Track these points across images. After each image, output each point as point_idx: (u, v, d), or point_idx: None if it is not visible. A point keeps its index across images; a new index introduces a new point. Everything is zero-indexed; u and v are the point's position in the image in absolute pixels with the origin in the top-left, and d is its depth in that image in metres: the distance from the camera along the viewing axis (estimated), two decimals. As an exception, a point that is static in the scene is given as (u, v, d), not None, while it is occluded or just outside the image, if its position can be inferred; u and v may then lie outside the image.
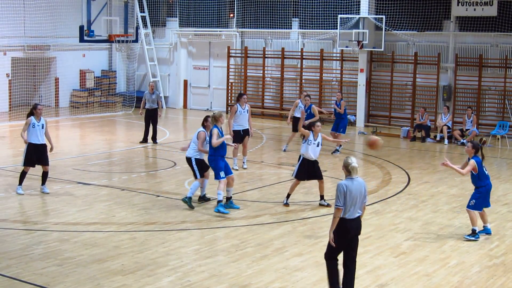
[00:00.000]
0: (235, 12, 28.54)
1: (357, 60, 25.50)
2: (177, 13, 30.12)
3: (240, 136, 16.42)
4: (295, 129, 19.07)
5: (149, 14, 30.47)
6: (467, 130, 21.91)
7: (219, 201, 12.33)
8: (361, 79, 25.41)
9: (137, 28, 29.55)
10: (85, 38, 26.55)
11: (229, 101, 29.12)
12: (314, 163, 12.98)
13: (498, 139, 21.91)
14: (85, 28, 26.42)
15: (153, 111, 20.18)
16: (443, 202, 13.88)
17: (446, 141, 21.86)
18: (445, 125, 22.13)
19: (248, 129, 16.53)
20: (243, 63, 28.55)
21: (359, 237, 8.33)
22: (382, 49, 24.55)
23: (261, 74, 28.02)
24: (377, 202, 13.55)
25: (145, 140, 20.30)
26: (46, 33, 27.23)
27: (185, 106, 30.53)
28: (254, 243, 10.76)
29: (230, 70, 28.89)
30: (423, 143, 22.10)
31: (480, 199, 11.31)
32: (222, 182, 12.36)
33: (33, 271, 9.22)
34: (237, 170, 16.26)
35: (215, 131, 12.30)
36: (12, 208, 12.60)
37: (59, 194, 13.72)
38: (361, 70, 25.36)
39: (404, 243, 10.96)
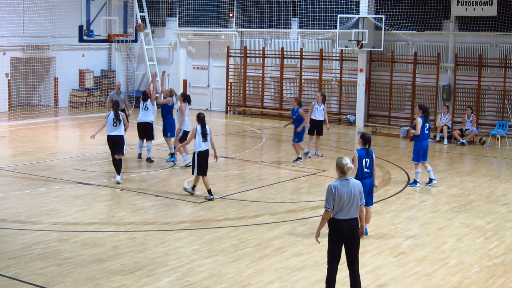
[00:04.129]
0: (235, 11, 28.53)
1: (357, 60, 25.49)
2: (177, 13, 30.12)
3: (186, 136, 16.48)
4: (312, 132, 18.42)
5: (148, 14, 30.47)
6: (466, 130, 21.91)
7: None
8: (361, 79, 25.39)
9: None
10: (85, 38, 26.52)
11: (229, 101, 29.11)
12: (207, 154, 13.36)
13: (498, 139, 21.90)
14: (85, 27, 26.39)
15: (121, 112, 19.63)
16: (442, 202, 13.87)
17: (445, 141, 21.84)
18: (445, 125, 22.11)
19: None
20: (242, 63, 28.53)
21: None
22: (382, 49, 24.54)
23: (261, 74, 28.01)
24: (377, 202, 13.51)
25: None
26: (46, 33, 27.23)
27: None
28: (254, 243, 10.74)
29: (230, 70, 28.88)
30: (423, 143, 22.04)
31: None
32: None
33: (32, 271, 9.21)
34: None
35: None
36: (11, 208, 12.58)
37: (58, 194, 13.71)
38: (361, 70, 25.35)
39: (403, 243, 10.94)
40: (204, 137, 13.24)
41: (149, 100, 17.17)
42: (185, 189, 13.94)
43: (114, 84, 19.38)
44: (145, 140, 17.38)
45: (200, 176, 13.40)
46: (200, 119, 13.40)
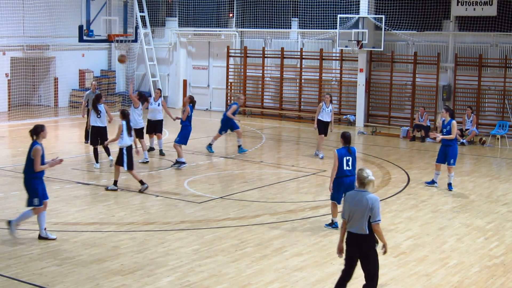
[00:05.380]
0: (235, 11, 28.52)
1: (357, 60, 25.49)
2: (177, 13, 30.11)
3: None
4: (321, 132, 18.23)
5: (148, 14, 30.46)
6: (466, 130, 21.90)
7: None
8: (361, 79, 25.39)
9: (137, 28, 29.52)
10: (85, 38, 26.51)
11: (229, 101, 29.09)
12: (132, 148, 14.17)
13: (498, 139, 21.90)
14: (85, 27, 26.38)
15: None
16: (442, 202, 13.86)
17: (445, 141, 21.80)
18: (445, 125, 22.10)
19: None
20: (242, 63, 28.53)
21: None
22: (382, 49, 24.54)
23: (261, 74, 28.00)
24: (377, 202, 13.51)
25: (87, 139, 19.95)
26: (45, 33, 27.22)
27: (184, 106, 30.43)
28: (254, 243, 10.74)
29: (230, 70, 28.88)
30: (423, 143, 22.08)
31: (334, 190, 11.32)
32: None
33: (32, 271, 9.20)
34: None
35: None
36: (11, 208, 12.56)
37: (58, 194, 13.70)
38: (361, 70, 25.35)
39: (404, 243, 10.94)
40: (129, 132, 13.95)
41: (160, 99, 18.16)
42: (107, 188, 14.12)
43: (92, 85, 20.32)
44: (154, 135, 18.43)
45: (121, 168, 14.02)
46: (125, 115, 14.09)
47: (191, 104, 17.03)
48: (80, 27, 26.24)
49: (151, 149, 18.50)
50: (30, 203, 10.49)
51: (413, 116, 24.13)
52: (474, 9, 23.02)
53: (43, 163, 10.44)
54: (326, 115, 18.16)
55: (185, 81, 30.59)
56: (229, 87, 28.94)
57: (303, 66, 27.15)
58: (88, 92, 20.01)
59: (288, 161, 18.14)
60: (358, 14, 24.78)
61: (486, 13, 22.87)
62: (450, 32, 24.23)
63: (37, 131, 10.49)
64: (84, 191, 14.12)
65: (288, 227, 11.72)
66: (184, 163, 16.60)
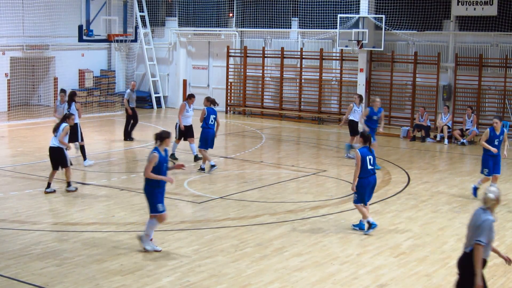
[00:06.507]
0: (235, 11, 28.51)
1: (357, 60, 25.47)
2: (177, 12, 30.10)
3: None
4: (353, 133, 18.17)
5: (148, 13, 30.45)
6: (467, 130, 21.88)
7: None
8: (361, 79, 25.37)
9: (136, 27, 29.53)
10: (84, 37, 26.53)
11: (229, 101, 29.08)
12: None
13: (498, 139, 21.85)
14: (84, 27, 26.40)
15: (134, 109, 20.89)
16: (443, 202, 13.84)
17: (446, 141, 21.83)
18: (445, 125, 22.09)
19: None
20: (242, 62, 28.51)
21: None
22: (382, 49, 24.51)
23: (261, 74, 27.99)
24: (377, 202, 13.51)
25: (127, 136, 20.80)
26: (45, 33, 27.21)
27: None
28: (254, 243, 10.72)
29: (230, 69, 28.86)
30: (423, 143, 22.07)
31: (359, 192, 11.26)
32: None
33: (32, 271, 9.19)
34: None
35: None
36: (10, 208, 12.56)
37: (58, 194, 13.68)
38: (361, 70, 25.32)
39: (404, 243, 10.92)
40: (53, 132, 13.74)
41: (192, 105, 17.35)
42: (67, 189, 13.92)
43: (132, 84, 21.22)
44: (181, 140, 17.48)
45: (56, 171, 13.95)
46: (64, 117, 13.96)
47: (209, 106, 16.11)
48: (80, 27, 26.24)
49: (171, 155, 17.30)
50: (152, 210, 10.23)
51: (413, 116, 24.11)
52: (475, 9, 23.00)
53: (161, 172, 10.09)
54: (358, 115, 18.18)
55: (185, 81, 30.58)
56: (229, 87, 28.92)
57: (303, 66, 27.13)
58: (128, 91, 20.73)
59: (288, 161, 18.12)
60: (358, 14, 24.76)
61: (486, 13, 22.85)
62: (450, 32, 24.21)
63: (162, 137, 10.14)
64: (84, 191, 14.10)
65: (288, 227, 11.70)
66: (214, 165, 16.06)
